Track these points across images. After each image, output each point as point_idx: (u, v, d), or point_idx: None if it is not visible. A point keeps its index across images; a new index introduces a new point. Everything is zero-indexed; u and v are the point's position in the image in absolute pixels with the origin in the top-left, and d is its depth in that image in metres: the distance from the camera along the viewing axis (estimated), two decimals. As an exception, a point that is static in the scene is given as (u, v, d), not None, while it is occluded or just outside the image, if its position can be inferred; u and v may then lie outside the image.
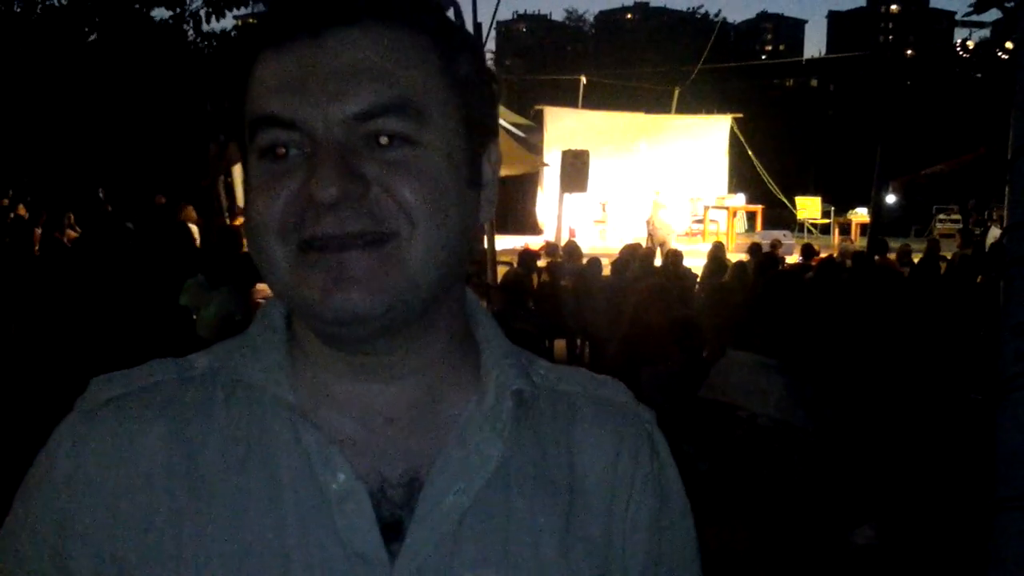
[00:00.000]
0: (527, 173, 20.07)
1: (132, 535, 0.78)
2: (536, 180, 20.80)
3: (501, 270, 9.50)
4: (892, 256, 12.10)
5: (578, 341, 8.78)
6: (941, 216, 26.50)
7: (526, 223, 20.67)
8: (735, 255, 12.54)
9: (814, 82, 68.88)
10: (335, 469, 0.78)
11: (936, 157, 22.43)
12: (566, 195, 15.21)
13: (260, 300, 5.96)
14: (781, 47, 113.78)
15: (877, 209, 11.69)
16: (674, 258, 10.07)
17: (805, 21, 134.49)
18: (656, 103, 26.24)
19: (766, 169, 24.52)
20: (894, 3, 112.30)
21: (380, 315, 0.75)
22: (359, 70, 0.74)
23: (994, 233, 16.75)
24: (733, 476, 3.88)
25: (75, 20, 14.44)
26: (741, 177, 24.95)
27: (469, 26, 8.36)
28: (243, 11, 12.97)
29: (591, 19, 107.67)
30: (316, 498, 0.78)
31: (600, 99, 27.17)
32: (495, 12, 50.93)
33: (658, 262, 11.20)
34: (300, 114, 0.74)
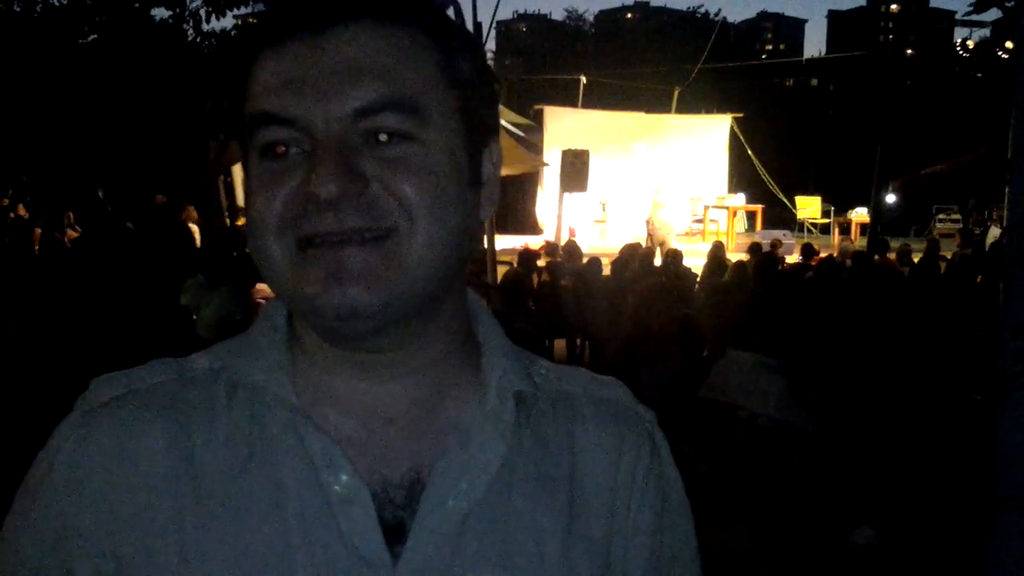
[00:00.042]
0: (527, 173, 20.03)
1: (133, 535, 0.78)
2: (536, 180, 20.77)
3: (501, 270, 9.49)
4: (892, 256, 12.12)
5: (578, 341, 8.76)
6: (941, 216, 26.53)
7: (526, 223, 20.65)
8: (735, 255, 12.55)
9: (814, 82, 68.74)
10: (338, 470, 0.78)
11: (936, 157, 22.41)
12: (566, 195, 15.20)
13: (260, 300, 5.97)
14: (781, 47, 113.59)
15: (877, 209, 11.67)
16: (674, 258, 10.08)
17: (805, 21, 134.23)
18: (656, 103, 26.19)
19: (766, 169, 24.50)
20: (894, 3, 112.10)
21: (378, 310, 0.75)
22: (358, 68, 0.74)
23: (994, 233, 16.76)
24: (733, 476, 3.87)
25: (75, 20, 14.45)
26: (741, 177, 24.93)
27: (469, 25, 8.39)
28: (243, 10, 13.00)
29: (591, 19, 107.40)
30: (319, 500, 0.78)
31: (600, 99, 27.19)
32: (495, 12, 51.16)
33: (658, 262, 11.21)
34: (299, 112, 0.74)
